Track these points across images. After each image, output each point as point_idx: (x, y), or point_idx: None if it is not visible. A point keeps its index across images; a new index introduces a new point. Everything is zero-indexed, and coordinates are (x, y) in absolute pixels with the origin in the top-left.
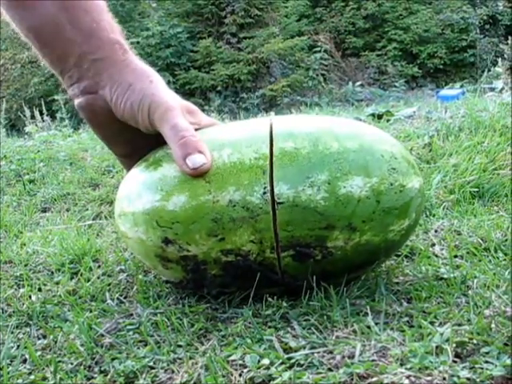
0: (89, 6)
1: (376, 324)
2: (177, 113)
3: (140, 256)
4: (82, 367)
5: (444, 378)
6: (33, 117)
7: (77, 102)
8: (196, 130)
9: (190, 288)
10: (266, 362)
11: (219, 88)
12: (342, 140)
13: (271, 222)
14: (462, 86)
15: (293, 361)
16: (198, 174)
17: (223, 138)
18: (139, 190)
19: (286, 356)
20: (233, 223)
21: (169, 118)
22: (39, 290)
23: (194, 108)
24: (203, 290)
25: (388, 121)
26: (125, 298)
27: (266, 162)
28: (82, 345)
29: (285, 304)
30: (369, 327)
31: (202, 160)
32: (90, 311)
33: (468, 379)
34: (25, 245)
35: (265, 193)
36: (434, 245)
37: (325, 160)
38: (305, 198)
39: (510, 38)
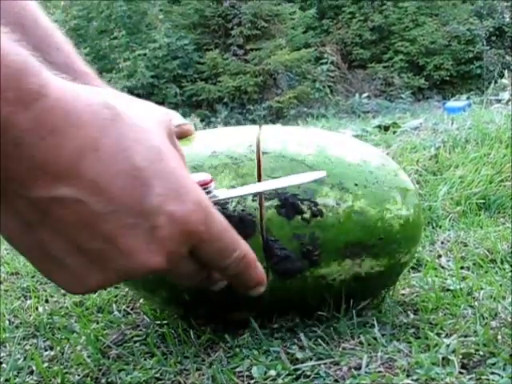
0: (60, 43)
1: (382, 335)
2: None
3: None
4: (88, 378)
5: None
6: None
7: None
8: None
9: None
10: (272, 373)
11: (226, 100)
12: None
13: (255, 167)
14: (468, 98)
15: (299, 372)
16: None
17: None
18: None
19: (292, 367)
20: (214, 169)
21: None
22: (46, 301)
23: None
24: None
25: (394, 132)
26: (131, 309)
27: (254, 134)
28: (88, 356)
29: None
30: (375, 339)
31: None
32: (97, 323)
33: None
34: None
35: (251, 145)
36: (440, 256)
37: (313, 134)
38: (292, 151)
39: None
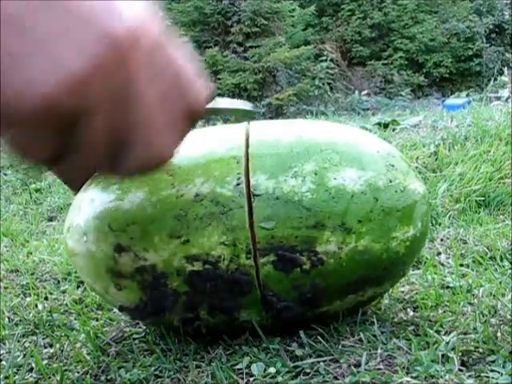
0: None
1: (382, 333)
2: None
3: (89, 277)
4: (88, 376)
5: None
6: None
7: None
8: None
9: (148, 314)
10: (272, 370)
11: (225, 97)
12: (329, 133)
13: (246, 217)
14: (467, 95)
15: (299, 369)
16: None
17: (201, 135)
18: (93, 194)
19: (292, 364)
20: (199, 221)
21: None
22: (46, 298)
23: None
24: (164, 315)
25: (394, 130)
26: None
27: (241, 152)
28: (88, 353)
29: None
30: (375, 336)
31: None
32: (97, 320)
33: None
34: (31, 253)
35: (238, 184)
36: (439, 253)
37: (310, 150)
38: (287, 190)
39: None
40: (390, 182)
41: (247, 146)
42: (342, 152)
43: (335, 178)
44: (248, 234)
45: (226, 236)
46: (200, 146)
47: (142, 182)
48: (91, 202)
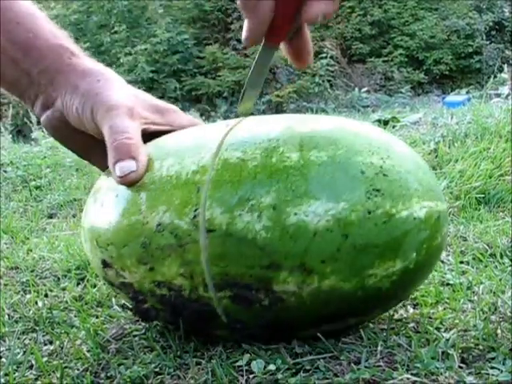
0: (21, 17)
1: (382, 330)
2: (118, 112)
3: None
4: (88, 373)
5: None
6: (39, 123)
7: (41, 121)
8: (167, 131)
9: (140, 317)
10: (272, 367)
11: (225, 94)
12: (307, 149)
13: (201, 253)
14: (467, 92)
15: (299, 366)
16: (126, 183)
17: (172, 145)
18: (89, 203)
19: (292, 361)
20: (161, 251)
21: (108, 117)
22: (45, 295)
23: (167, 107)
24: (152, 322)
25: (394, 127)
26: None
27: (204, 176)
28: (88, 350)
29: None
30: (375, 333)
31: (130, 167)
32: (97, 317)
33: None
34: (31, 251)
35: (195, 216)
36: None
37: (274, 176)
38: (241, 227)
39: None
40: (369, 213)
41: (215, 162)
42: (312, 178)
43: (296, 214)
44: (203, 269)
45: (184, 269)
46: (171, 162)
47: (119, 203)
48: (86, 211)
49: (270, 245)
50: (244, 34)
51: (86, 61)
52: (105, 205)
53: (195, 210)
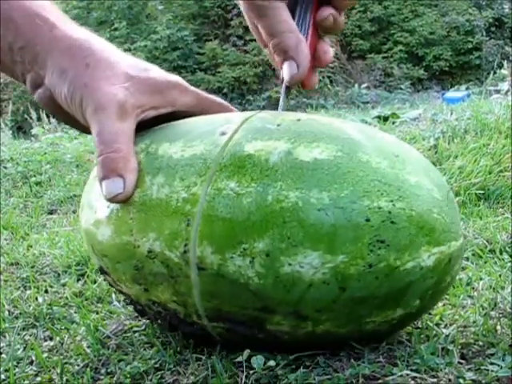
0: None
1: None
2: (107, 113)
3: None
4: (88, 369)
5: (450, 380)
6: (39, 119)
7: (35, 99)
8: (168, 114)
9: (139, 315)
10: (272, 363)
11: (225, 90)
12: (307, 186)
13: (192, 288)
14: (467, 89)
15: (299, 362)
16: (114, 203)
17: (164, 156)
18: (84, 201)
19: (291, 357)
20: (153, 277)
21: (96, 119)
22: (46, 291)
23: (168, 83)
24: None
25: (394, 123)
26: None
27: (194, 208)
28: (88, 346)
29: None
30: None
31: (116, 188)
32: (97, 313)
33: (474, 381)
34: (31, 247)
35: (185, 252)
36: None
37: (270, 220)
38: (233, 270)
39: None
40: (370, 267)
41: (207, 192)
42: (310, 226)
43: (290, 264)
44: (195, 302)
45: (177, 297)
46: (162, 182)
47: (110, 218)
48: (82, 209)
49: (263, 290)
50: (290, 76)
51: (70, 32)
52: (98, 213)
53: (185, 245)
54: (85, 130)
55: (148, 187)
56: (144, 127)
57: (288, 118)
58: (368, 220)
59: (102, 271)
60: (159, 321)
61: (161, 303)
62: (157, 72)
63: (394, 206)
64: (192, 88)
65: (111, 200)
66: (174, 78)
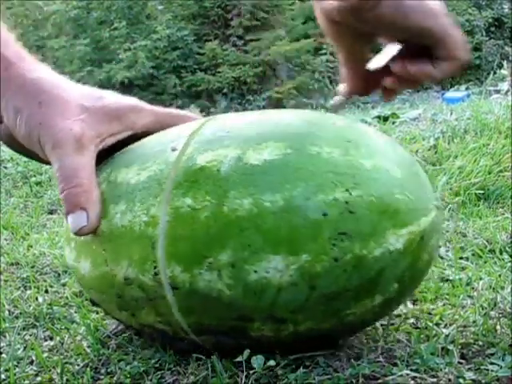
0: None
1: (382, 326)
2: (65, 149)
3: None
4: (88, 368)
5: (449, 380)
6: None
7: None
8: (129, 137)
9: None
10: (272, 363)
11: (225, 90)
12: (259, 191)
13: (171, 306)
14: (467, 89)
15: (299, 362)
16: (81, 236)
17: (123, 183)
18: (64, 238)
19: (291, 357)
20: (135, 302)
21: (56, 157)
22: (46, 291)
23: (125, 108)
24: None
25: (394, 123)
26: None
27: (156, 230)
28: (88, 346)
29: None
30: (374, 329)
31: (80, 222)
32: (97, 313)
33: (473, 381)
34: (31, 246)
35: (156, 274)
36: (439, 247)
37: (227, 231)
38: (203, 285)
39: None
40: (336, 261)
41: (165, 212)
42: (267, 230)
43: (256, 271)
44: (177, 319)
45: (161, 318)
46: (123, 209)
47: (87, 252)
48: (65, 248)
49: (236, 300)
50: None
51: (23, 70)
52: (76, 248)
53: (155, 267)
54: (50, 163)
55: (112, 216)
56: (108, 154)
57: (238, 122)
58: (325, 214)
59: (93, 303)
60: (155, 341)
61: (150, 325)
62: (112, 98)
63: (351, 195)
64: (148, 107)
65: (78, 233)
66: (130, 100)
